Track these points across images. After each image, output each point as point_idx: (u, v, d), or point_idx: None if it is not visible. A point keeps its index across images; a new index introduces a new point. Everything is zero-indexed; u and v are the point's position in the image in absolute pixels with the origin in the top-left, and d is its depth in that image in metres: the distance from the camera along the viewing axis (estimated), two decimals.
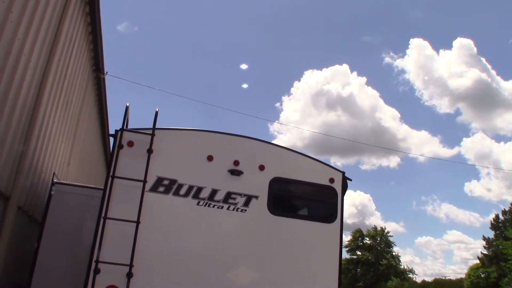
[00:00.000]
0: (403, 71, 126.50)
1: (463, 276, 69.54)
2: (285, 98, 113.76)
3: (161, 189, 6.61)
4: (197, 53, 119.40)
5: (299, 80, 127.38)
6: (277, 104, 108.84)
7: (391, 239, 74.10)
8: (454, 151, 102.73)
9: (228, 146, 7.13)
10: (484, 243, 65.99)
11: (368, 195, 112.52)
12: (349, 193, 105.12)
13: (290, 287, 6.78)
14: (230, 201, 6.80)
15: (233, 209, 6.79)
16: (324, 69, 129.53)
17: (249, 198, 6.88)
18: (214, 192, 6.76)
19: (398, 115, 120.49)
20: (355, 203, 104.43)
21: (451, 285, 69.19)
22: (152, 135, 6.70)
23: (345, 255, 74.53)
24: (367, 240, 73.98)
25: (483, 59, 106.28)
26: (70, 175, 13.80)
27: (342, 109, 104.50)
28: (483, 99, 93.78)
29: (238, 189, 6.87)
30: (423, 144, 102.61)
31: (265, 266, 6.77)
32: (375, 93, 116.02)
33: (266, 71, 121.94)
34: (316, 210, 7.58)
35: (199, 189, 6.71)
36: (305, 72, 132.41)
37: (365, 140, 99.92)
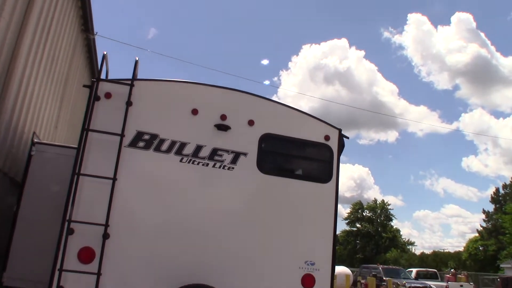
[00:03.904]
0: (401, 47, 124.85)
1: (460, 249, 70.22)
2: (282, 73, 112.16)
3: (141, 144, 6.07)
4: (193, 19, 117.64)
5: (297, 55, 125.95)
6: (275, 79, 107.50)
7: (391, 212, 74.23)
8: (453, 126, 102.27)
9: (215, 99, 6.55)
10: (483, 216, 66.24)
11: (367, 169, 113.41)
12: (347, 167, 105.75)
13: (281, 249, 6.29)
14: (216, 158, 6.26)
15: (220, 167, 6.26)
16: (322, 43, 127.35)
17: (237, 155, 6.34)
18: (198, 148, 6.22)
19: (397, 90, 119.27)
20: (354, 177, 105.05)
21: (449, 257, 69.80)
22: (131, 85, 6.12)
23: (345, 227, 74.97)
24: (367, 213, 74.05)
25: (482, 34, 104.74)
26: (59, 138, 13.30)
27: (340, 83, 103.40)
28: (482, 75, 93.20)
29: (225, 146, 6.32)
30: (421, 119, 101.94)
31: (254, 227, 6.28)
32: (373, 67, 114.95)
33: (263, 45, 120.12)
34: (310, 169, 7.03)
35: (183, 145, 6.17)
36: (303, 46, 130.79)
37: (364, 114, 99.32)
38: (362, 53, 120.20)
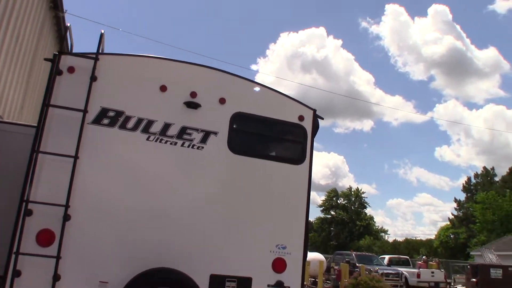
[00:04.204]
0: (378, 37, 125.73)
1: (432, 237, 71.54)
2: (260, 60, 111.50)
3: (106, 121, 5.75)
4: (170, 2, 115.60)
5: (274, 42, 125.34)
6: (252, 66, 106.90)
7: (365, 199, 75.08)
8: (427, 116, 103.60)
9: (184, 76, 6.26)
10: (455, 205, 67.57)
11: (342, 157, 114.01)
12: (323, 155, 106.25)
13: (251, 232, 6.10)
14: (185, 137, 5.99)
15: (188, 146, 5.99)
16: (300, 31, 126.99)
17: (207, 134, 6.08)
18: (167, 126, 5.93)
19: (373, 79, 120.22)
20: (329, 165, 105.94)
21: (421, 245, 71.03)
22: (96, 59, 5.78)
23: (320, 214, 75.55)
24: (341, 200, 74.72)
25: (458, 27, 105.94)
26: (25, 119, 12.77)
27: (317, 72, 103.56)
28: (457, 66, 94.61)
29: (194, 124, 6.05)
30: (397, 109, 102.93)
31: (224, 209, 6.06)
32: (350, 56, 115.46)
33: (241, 32, 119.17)
34: (283, 150, 6.82)
35: (150, 123, 5.88)
36: (281, 34, 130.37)
37: (340, 103, 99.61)
38: (340, 42, 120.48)
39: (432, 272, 24.98)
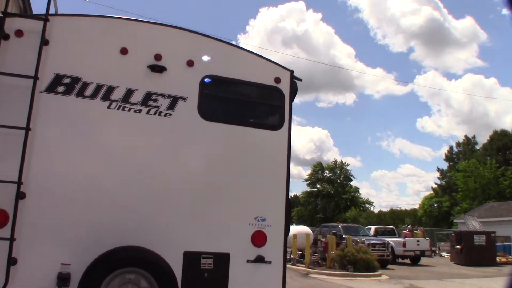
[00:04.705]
0: (357, 10, 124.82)
1: (416, 207, 72.39)
2: (240, 37, 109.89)
3: (60, 89, 5.18)
4: None
5: (254, 18, 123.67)
6: (233, 42, 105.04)
7: (350, 172, 75.37)
8: (408, 88, 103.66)
9: (147, 37, 5.70)
10: (438, 174, 68.27)
11: (326, 131, 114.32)
12: (307, 130, 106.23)
13: (228, 205, 5.64)
14: (151, 103, 5.45)
15: (155, 113, 5.45)
16: (279, 6, 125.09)
17: (174, 100, 5.54)
18: (129, 92, 5.38)
19: (354, 52, 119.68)
20: (314, 139, 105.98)
21: (405, 214, 71.88)
22: (45, 20, 5.16)
23: (306, 188, 75.74)
24: (327, 173, 74.91)
25: None
26: None
27: (298, 47, 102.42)
28: (435, 37, 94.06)
29: (160, 89, 5.51)
30: (378, 81, 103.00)
31: (196, 180, 5.59)
32: (330, 30, 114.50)
33: (220, 8, 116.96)
34: (259, 115, 6.31)
35: (111, 89, 5.32)
36: (260, 9, 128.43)
37: (322, 77, 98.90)
38: (319, 15, 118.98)
39: (418, 241, 25.07)
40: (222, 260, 5.44)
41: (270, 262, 5.63)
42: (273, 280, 5.64)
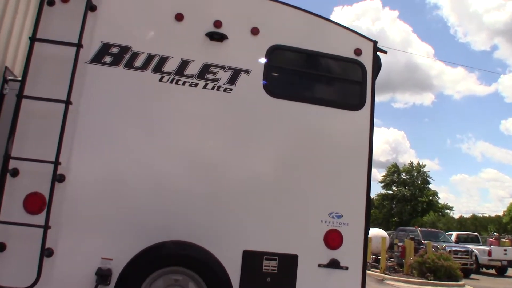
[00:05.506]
0: (436, 7, 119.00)
1: (499, 213, 67.93)
2: None
3: (108, 59, 4.56)
4: None
5: (329, 17, 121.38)
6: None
7: (428, 174, 71.68)
8: (492, 88, 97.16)
9: (206, 1, 4.99)
10: None
11: (402, 133, 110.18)
12: (382, 131, 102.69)
13: (296, 198, 4.74)
14: (209, 76, 4.69)
15: (213, 88, 4.69)
16: (354, 5, 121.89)
17: (236, 73, 4.75)
18: (185, 63, 4.66)
19: (432, 51, 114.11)
20: (389, 141, 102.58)
21: (489, 221, 67.69)
22: None
23: (380, 190, 73.04)
24: (403, 176, 71.68)
25: None
26: None
27: None
28: None
29: (220, 61, 4.74)
30: (459, 81, 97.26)
31: (260, 167, 4.75)
32: (407, 28, 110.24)
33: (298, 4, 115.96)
34: (336, 92, 5.33)
35: (163, 60, 4.63)
36: (334, 9, 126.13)
37: (398, 77, 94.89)
38: (396, 13, 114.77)
39: (505, 250, 23.24)
40: (288, 262, 4.56)
41: (346, 268, 4.67)
42: None
